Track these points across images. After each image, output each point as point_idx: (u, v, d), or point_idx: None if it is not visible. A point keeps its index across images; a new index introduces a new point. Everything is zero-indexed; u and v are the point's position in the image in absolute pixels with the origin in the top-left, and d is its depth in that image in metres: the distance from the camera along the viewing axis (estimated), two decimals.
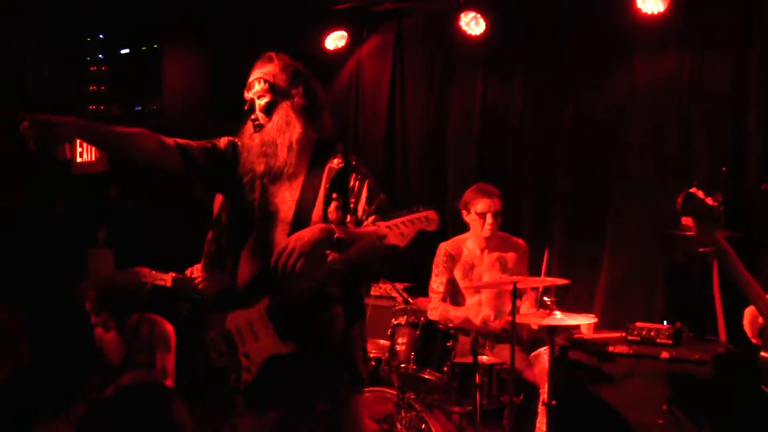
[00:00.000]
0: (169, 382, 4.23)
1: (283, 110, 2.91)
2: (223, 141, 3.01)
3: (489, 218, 4.56)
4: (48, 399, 4.09)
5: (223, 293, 2.99)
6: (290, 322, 2.81)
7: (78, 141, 6.35)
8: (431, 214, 2.73)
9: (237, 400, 2.94)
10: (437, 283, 4.72)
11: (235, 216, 3.00)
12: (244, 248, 2.94)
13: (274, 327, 2.81)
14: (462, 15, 5.75)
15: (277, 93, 2.91)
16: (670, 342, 4.33)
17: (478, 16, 5.72)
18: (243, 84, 3.00)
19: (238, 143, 2.99)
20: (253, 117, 2.91)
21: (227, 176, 2.95)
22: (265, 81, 2.90)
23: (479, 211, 4.57)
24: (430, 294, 4.75)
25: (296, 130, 2.91)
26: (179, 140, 2.92)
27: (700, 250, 4.51)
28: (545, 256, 4.22)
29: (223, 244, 3.04)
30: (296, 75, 2.96)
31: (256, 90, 2.91)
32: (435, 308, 4.64)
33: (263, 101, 2.90)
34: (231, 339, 2.89)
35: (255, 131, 2.91)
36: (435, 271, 4.75)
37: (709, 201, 2.96)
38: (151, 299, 4.43)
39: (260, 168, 2.89)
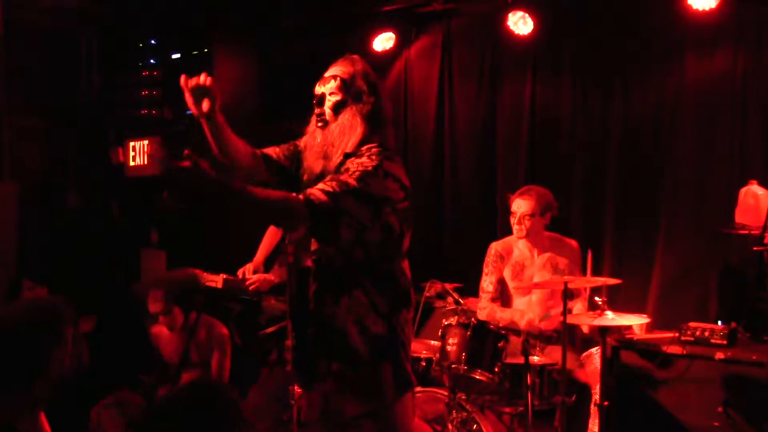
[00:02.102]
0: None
1: (351, 112, 2.86)
2: (302, 141, 3.03)
3: (517, 219, 4.58)
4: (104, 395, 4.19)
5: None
6: (298, 320, 2.89)
7: (131, 145, 6.48)
8: None
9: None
10: (487, 283, 4.73)
11: None
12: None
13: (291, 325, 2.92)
14: (510, 15, 5.71)
15: (349, 94, 2.87)
16: (725, 343, 4.24)
17: (526, 15, 5.68)
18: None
19: (304, 149, 2.99)
20: (319, 111, 2.89)
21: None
22: (342, 80, 2.87)
23: (512, 211, 4.61)
24: (480, 293, 4.76)
25: (356, 135, 2.85)
26: (266, 150, 2.98)
27: (755, 248, 4.44)
28: (589, 258, 4.20)
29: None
30: (373, 85, 2.93)
31: (330, 86, 2.88)
32: (484, 308, 4.66)
33: (334, 99, 2.87)
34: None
35: (318, 126, 2.89)
36: (485, 270, 4.76)
37: None
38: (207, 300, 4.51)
39: (317, 169, 2.86)
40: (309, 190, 2.65)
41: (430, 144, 6.30)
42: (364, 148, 2.83)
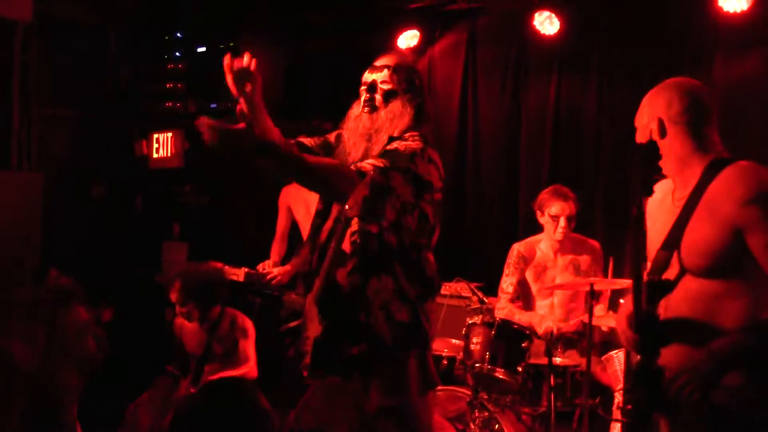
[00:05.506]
0: (249, 367, 4.27)
1: (401, 101, 2.91)
2: (332, 135, 3.04)
3: (562, 222, 4.51)
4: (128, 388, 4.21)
5: (300, 279, 3.02)
6: (326, 304, 2.84)
7: (155, 137, 6.52)
8: None
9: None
10: (507, 284, 4.69)
11: (322, 206, 3.00)
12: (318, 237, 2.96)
13: (318, 310, 2.86)
14: (536, 14, 5.67)
15: (400, 84, 2.91)
16: None
17: (552, 15, 5.64)
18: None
19: (343, 134, 2.99)
20: (369, 97, 2.90)
21: None
22: (394, 69, 2.92)
23: (553, 213, 4.53)
24: (499, 294, 4.72)
25: (403, 123, 2.90)
26: (299, 138, 2.97)
27: None
28: (611, 264, 4.18)
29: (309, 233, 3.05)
30: (421, 80, 3.02)
31: (382, 75, 2.91)
32: (502, 308, 4.62)
33: (386, 87, 2.90)
34: (305, 325, 2.96)
35: (365, 111, 2.91)
36: (506, 271, 4.72)
37: None
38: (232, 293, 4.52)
39: (358, 153, 2.85)
40: (359, 164, 2.69)
41: (452, 143, 6.27)
42: (408, 134, 2.88)
